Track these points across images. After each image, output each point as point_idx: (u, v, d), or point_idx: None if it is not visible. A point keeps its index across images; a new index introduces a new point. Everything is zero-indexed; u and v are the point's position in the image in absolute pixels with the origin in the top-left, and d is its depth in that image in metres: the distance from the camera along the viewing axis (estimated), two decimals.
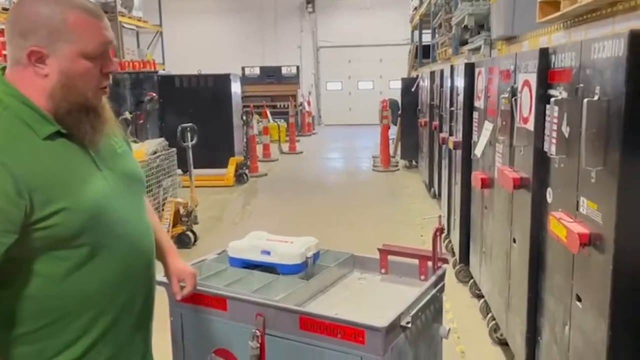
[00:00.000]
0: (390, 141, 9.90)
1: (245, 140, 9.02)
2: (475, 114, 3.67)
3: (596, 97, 1.71)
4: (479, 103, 3.57)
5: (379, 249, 2.20)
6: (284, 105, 14.70)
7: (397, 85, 10.43)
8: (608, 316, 1.64)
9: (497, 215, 3.03)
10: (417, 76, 9.29)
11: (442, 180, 5.35)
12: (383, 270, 2.20)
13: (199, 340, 1.94)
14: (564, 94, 2.04)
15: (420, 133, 8.27)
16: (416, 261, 2.12)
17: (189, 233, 5.07)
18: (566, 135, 2.00)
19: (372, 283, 2.14)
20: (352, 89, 20.17)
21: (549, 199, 2.22)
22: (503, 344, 3.05)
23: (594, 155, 1.72)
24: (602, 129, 1.68)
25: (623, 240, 1.60)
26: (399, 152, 10.10)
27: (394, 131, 10.37)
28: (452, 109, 4.56)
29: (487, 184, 3.24)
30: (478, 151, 3.37)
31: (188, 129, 5.54)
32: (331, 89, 20.29)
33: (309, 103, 17.00)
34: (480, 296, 3.60)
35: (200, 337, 1.94)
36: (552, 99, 2.08)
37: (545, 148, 2.24)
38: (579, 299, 1.89)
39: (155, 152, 5.15)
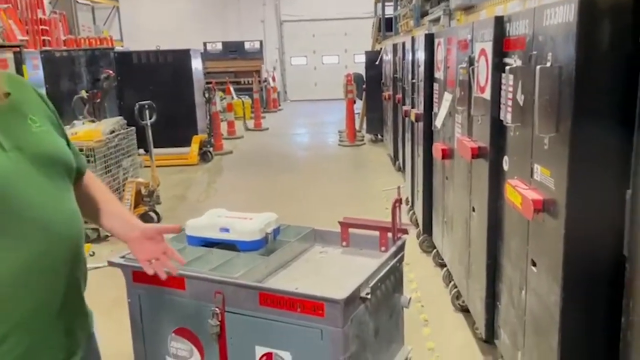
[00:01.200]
0: (356, 116, 9.89)
1: (208, 117, 8.85)
2: (436, 86, 3.67)
3: (548, 64, 1.72)
4: (439, 74, 3.57)
5: (339, 222, 2.19)
6: (247, 82, 14.47)
7: (363, 59, 10.35)
8: (561, 279, 1.68)
9: (458, 185, 3.07)
10: (381, 49, 9.25)
11: (406, 153, 5.38)
12: (344, 244, 2.20)
13: (159, 320, 1.91)
14: (519, 62, 2.05)
15: (384, 107, 8.29)
16: (377, 233, 2.12)
17: (151, 213, 4.97)
18: (521, 104, 2.02)
19: (333, 256, 2.14)
20: (317, 63, 19.99)
21: (506, 167, 2.25)
22: (465, 310, 3.13)
23: (547, 122, 1.73)
24: (554, 96, 1.69)
25: (574, 205, 1.63)
26: (364, 126, 10.12)
27: (359, 106, 10.36)
28: (414, 81, 4.56)
29: (447, 154, 3.27)
30: (438, 122, 3.39)
31: (146, 106, 5.38)
32: (296, 64, 20.06)
33: (273, 79, 16.78)
34: (442, 265, 3.67)
35: (160, 317, 1.90)
36: (507, 67, 2.09)
37: (502, 117, 2.26)
38: (534, 264, 1.94)
39: (113, 132, 4.99)
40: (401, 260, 2.04)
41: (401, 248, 2.05)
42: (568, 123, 1.61)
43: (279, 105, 17.05)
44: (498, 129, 2.31)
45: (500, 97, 2.28)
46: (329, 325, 1.61)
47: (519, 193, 1.93)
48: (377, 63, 8.48)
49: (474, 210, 2.69)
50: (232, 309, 1.75)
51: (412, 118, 4.32)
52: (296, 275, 1.95)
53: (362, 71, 10.49)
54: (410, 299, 2.08)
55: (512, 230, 2.19)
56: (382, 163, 7.78)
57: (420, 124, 4.12)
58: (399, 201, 2.05)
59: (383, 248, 2.10)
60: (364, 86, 9.85)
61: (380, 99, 8.56)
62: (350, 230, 2.19)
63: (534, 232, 1.93)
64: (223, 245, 2.07)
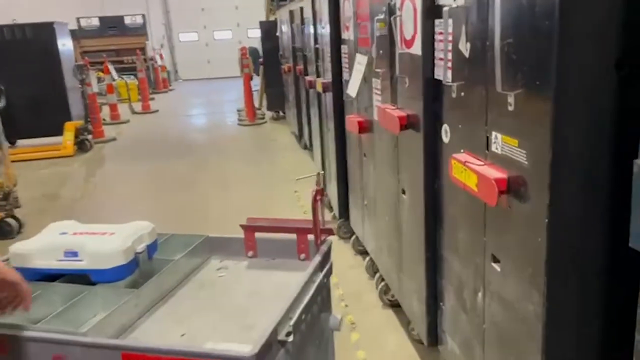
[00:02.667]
0: (255, 92, 9.23)
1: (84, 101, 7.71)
2: (345, 48, 3.17)
3: None
4: (347, 34, 3.07)
5: (242, 226, 1.62)
6: (131, 60, 13.11)
7: (257, 34, 9.63)
8: (543, 283, 1.26)
9: (380, 163, 2.61)
10: (276, 19, 8.61)
11: (313, 130, 4.88)
12: (250, 253, 1.64)
13: None
14: (460, 1, 1.58)
15: (285, 81, 7.71)
16: (293, 236, 1.59)
17: (8, 220, 4.02)
18: (466, 55, 1.56)
19: (236, 273, 1.57)
20: (208, 39, 18.81)
21: (446, 139, 1.81)
22: (395, 305, 2.72)
23: (512, 74, 1.28)
24: (525, 36, 1.24)
25: (560, 183, 1.20)
26: (265, 103, 9.48)
27: (258, 82, 9.68)
28: (317, 46, 4.04)
29: (365, 127, 2.80)
30: (351, 90, 2.90)
31: None
32: (185, 40, 18.73)
33: (161, 57, 15.44)
34: (364, 252, 3.25)
35: None
36: (445, 9, 1.62)
37: (438, 75, 1.80)
38: (496, 260, 1.52)
39: None
40: (329, 272, 1.52)
41: (327, 255, 1.53)
42: (549, 71, 1.17)
43: (170, 86, 15.78)
44: (433, 92, 1.85)
45: (434, 50, 1.82)
46: None
47: (472, 171, 1.48)
48: (277, 34, 7.83)
49: (404, 192, 2.24)
50: None
51: (319, 88, 3.80)
52: (183, 313, 1.36)
53: (256, 46, 9.78)
54: (341, 319, 1.57)
55: (460, 217, 1.75)
56: (286, 142, 7.25)
57: (329, 95, 3.62)
58: (320, 192, 1.52)
59: (303, 255, 1.58)
60: (261, 60, 9.18)
61: (279, 73, 7.96)
62: (258, 235, 1.63)
63: (495, 219, 1.50)
64: (71, 277, 1.41)
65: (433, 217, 1.98)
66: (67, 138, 7.02)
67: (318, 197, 1.50)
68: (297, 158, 6.22)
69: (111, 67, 9.97)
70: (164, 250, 1.57)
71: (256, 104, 9.35)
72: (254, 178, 5.52)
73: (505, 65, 1.30)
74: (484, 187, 1.43)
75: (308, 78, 4.56)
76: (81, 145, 7.21)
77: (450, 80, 1.67)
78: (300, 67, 5.50)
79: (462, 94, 1.64)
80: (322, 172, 1.60)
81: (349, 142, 3.33)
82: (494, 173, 1.41)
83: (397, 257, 2.42)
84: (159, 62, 14.93)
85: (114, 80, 10.17)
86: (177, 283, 1.48)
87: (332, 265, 1.54)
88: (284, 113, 8.65)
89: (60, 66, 7.50)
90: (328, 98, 3.66)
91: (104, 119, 9.58)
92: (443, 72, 1.71)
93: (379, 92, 2.47)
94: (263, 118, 9.14)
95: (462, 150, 1.66)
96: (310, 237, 1.56)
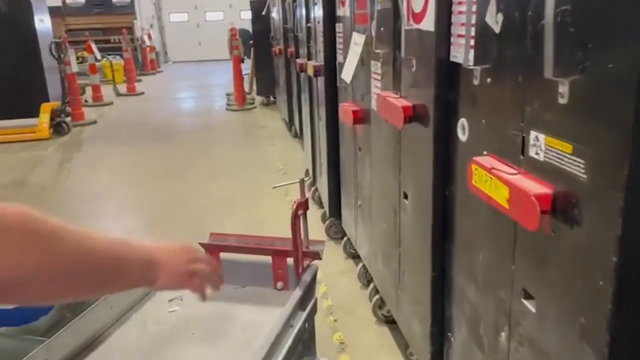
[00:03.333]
0: (245, 76, 8.81)
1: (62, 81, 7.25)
2: (339, 27, 2.80)
3: None
4: (342, 10, 2.69)
5: (202, 245, 1.26)
6: (118, 40, 12.58)
7: (249, 15, 9.17)
8: (605, 345, 0.92)
9: (378, 160, 2.26)
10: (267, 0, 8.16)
11: (304, 117, 4.51)
12: None
13: None
14: None
15: (276, 64, 7.30)
16: (268, 259, 1.24)
17: None
18: (496, 29, 1.20)
19: (193, 308, 1.21)
20: (199, 20, 18.23)
21: (463, 137, 1.45)
22: (391, 322, 2.40)
23: (569, 53, 0.93)
24: (592, 0, 0.88)
25: (638, 207, 0.85)
26: (255, 87, 9.07)
27: (248, 65, 9.24)
28: (309, 24, 3.65)
29: (360, 118, 2.44)
30: (346, 75, 2.53)
31: None
32: (176, 20, 18.14)
33: (149, 37, 14.87)
34: (357, 257, 2.91)
35: None
36: None
37: (455, 57, 1.44)
38: (529, 296, 1.18)
39: None
40: (313, 311, 1.17)
41: (311, 287, 1.18)
42: (631, 48, 0.81)
43: (158, 67, 15.24)
44: (448, 77, 1.50)
45: (450, 25, 1.46)
46: None
47: (502, 181, 1.13)
48: (264, 13, 7.40)
49: (406, 197, 1.90)
50: None
51: (310, 72, 3.42)
52: None
53: (249, 28, 9.33)
54: None
55: (480, 236, 1.41)
56: (276, 129, 6.86)
57: (321, 80, 3.25)
58: (302, 205, 1.17)
59: (280, 284, 1.23)
60: (252, 42, 8.74)
61: (270, 56, 7.54)
62: (223, 256, 1.28)
63: (531, 246, 1.16)
64: None
65: (442, 230, 1.63)
66: (43, 120, 6.60)
67: (300, 212, 1.14)
68: (287, 147, 5.85)
69: (94, 46, 9.48)
70: None
71: (246, 88, 8.94)
72: (239, 168, 5.15)
73: (560, 41, 0.94)
74: (519, 204, 1.08)
75: (299, 61, 4.17)
76: (58, 128, 6.79)
77: (472, 62, 1.32)
78: (292, 49, 5.10)
79: (488, 80, 1.28)
80: (306, 178, 1.24)
81: (342, 132, 2.97)
82: (535, 187, 1.06)
83: (395, 270, 2.08)
84: (147, 43, 14.39)
85: (97, 60, 9.68)
86: (109, 325, 1.12)
87: (316, 302, 1.20)
88: (275, 98, 8.25)
89: (37, 44, 7.10)
90: (320, 83, 3.29)
91: (85, 101, 9.15)
92: (463, 53, 1.35)
93: (378, 78, 2.10)
94: (253, 103, 8.74)
95: (485, 153, 1.31)
96: (290, 260, 1.21)
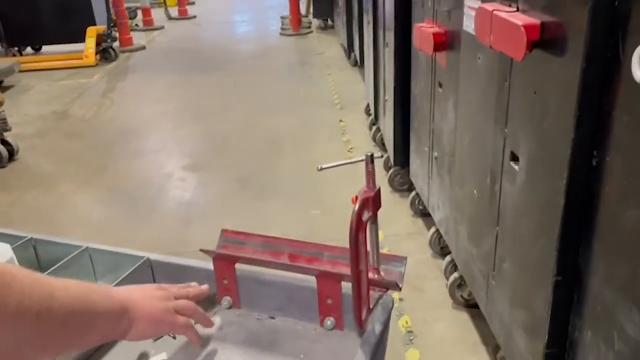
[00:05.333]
0: None
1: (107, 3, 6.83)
2: None
3: None
4: None
5: (203, 251, 0.79)
6: None
7: None
8: None
9: (469, 103, 1.67)
10: None
11: (366, 42, 3.86)
12: (227, 301, 0.83)
13: None
14: None
15: None
16: (313, 279, 0.75)
17: None
18: None
19: (190, 350, 0.76)
20: None
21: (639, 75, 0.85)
22: (471, 306, 1.91)
23: None
24: None
25: None
26: (312, 10, 8.29)
27: None
28: None
29: (444, 43, 1.83)
30: None
31: None
32: None
33: None
34: (427, 215, 2.40)
35: None
36: None
37: None
38: None
39: None
40: None
41: (382, 337, 0.68)
42: None
43: None
44: None
45: None
46: None
47: None
48: None
49: (514, 159, 1.32)
50: None
51: None
52: None
53: None
54: None
55: None
56: (333, 56, 6.20)
57: None
58: (368, 204, 0.65)
59: (330, 321, 0.76)
60: None
61: None
62: (241, 270, 0.80)
63: None
64: None
65: (579, 217, 1.07)
66: (89, 45, 6.26)
67: (365, 214, 0.63)
68: (345, 76, 5.24)
69: None
70: None
71: (302, 11, 8.19)
72: (291, 101, 4.63)
73: None
74: None
75: None
76: (105, 54, 6.45)
77: None
78: None
79: None
80: (379, 155, 0.70)
81: (416, 62, 2.35)
82: None
83: (488, 253, 1.55)
84: None
85: None
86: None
87: (384, 350, 0.71)
88: (333, 21, 7.49)
89: None
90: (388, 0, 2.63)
91: (136, 25, 8.76)
92: None
93: None
94: (309, 27, 8.02)
95: None
96: (347, 286, 0.72)
